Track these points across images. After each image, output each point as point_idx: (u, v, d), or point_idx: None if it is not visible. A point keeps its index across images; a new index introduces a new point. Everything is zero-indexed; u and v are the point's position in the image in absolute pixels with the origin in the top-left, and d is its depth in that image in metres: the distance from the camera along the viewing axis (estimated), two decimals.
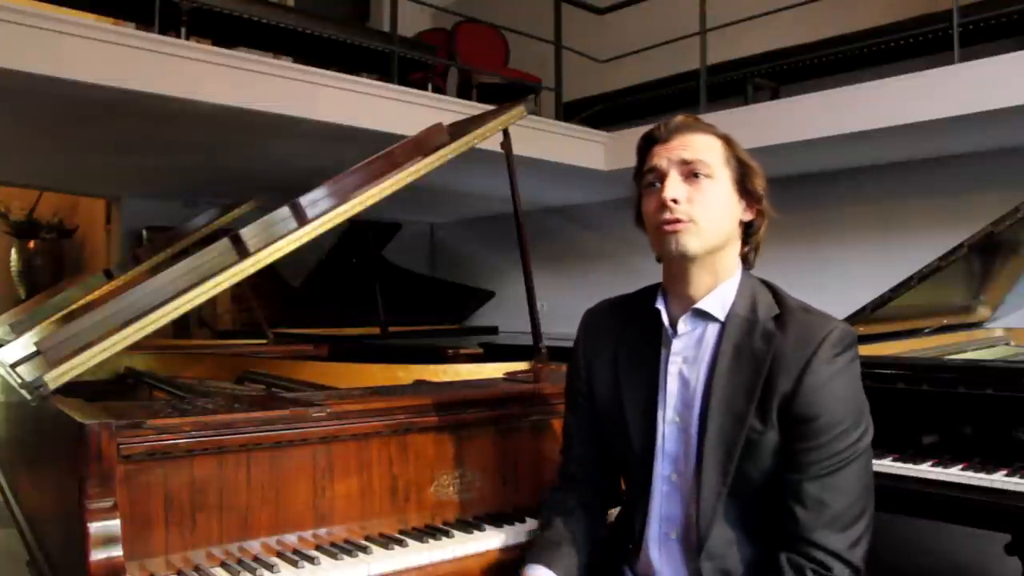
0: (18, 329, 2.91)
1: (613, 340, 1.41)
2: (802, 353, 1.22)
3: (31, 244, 7.44)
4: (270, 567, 1.34)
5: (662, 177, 1.29)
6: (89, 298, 2.97)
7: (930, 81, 3.66)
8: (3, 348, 2.47)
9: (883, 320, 2.49)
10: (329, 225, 1.70)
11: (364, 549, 1.44)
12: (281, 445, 1.44)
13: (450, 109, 4.12)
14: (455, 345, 3.69)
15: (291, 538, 1.44)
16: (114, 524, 1.23)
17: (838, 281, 4.55)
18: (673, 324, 1.34)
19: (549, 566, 1.33)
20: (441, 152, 1.90)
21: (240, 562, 1.37)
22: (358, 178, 1.87)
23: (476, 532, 1.55)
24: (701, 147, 1.29)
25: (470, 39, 5.55)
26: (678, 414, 1.31)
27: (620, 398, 1.37)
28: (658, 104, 5.27)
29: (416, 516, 1.58)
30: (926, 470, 1.92)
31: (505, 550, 1.54)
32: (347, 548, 1.44)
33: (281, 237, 1.65)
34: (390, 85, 4.20)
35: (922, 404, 2.04)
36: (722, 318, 1.30)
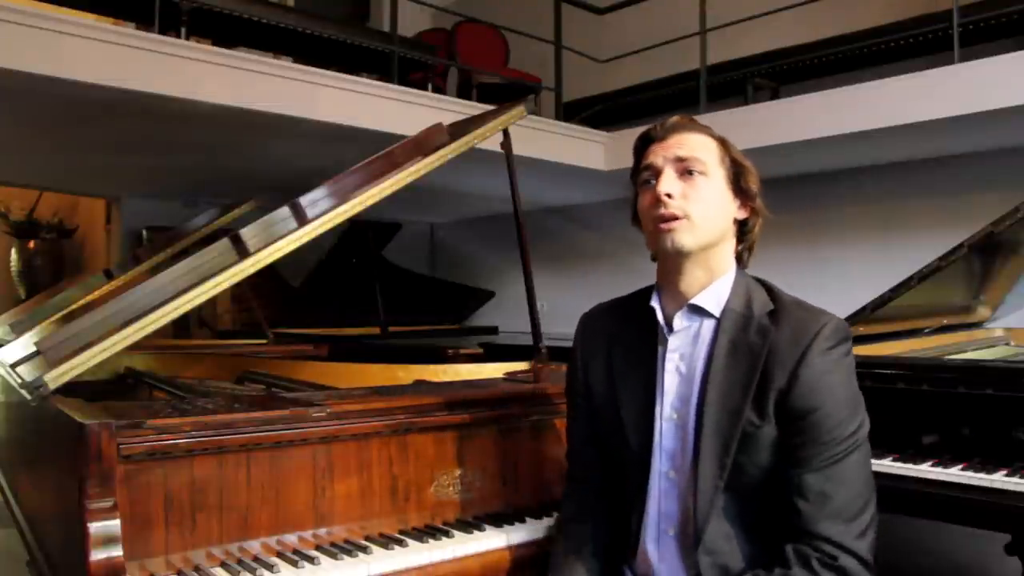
0: (18, 329, 2.91)
1: (609, 341, 1.43)
2: (797, 347, 1.23)
3: (31, 244, 7.44)
4: (270, 567, 1.34)
5: (657, 174, 1.31)
6: (89, 298, 2.98)
7: (930, 81, 3.66)
8: (3, 348, 2.47)
9: (883, 320, 2.49)
10: (329, 225, 1.71)
11: (364, 549, 1.44)
12: (281, 445, 1.44)
13: (450, 109, 4.12)
14: (455, 345, 3.69)
15: (291, 538, 1.44)
16: (114, 524, 1.23)
17: (838, 281, 4.55)
18: (668, 322, 1.35)
19: None
20: (441, 152, 1.90)
21: (240, 562, 1.37)
22: (358, 178, 1.87)
23: (476, 532, 1.55)
24: (696, 145, 1.32)
25: (470, 39, 5.55)
26: (675, 410, 1.32)
27: (617, 398, 1.38)
28: (658, 104, 5.27)
29: (416, 516, 1.58)
30: (926, 470, 1.92)
31: (505, 550, 1.53)
32: (347, 548, 1.44)
33: (281, 237, 1.65)
34: (390, 85, 4.20)
35: (922, 404, 2.04)
36: (717, 314, 1.31)
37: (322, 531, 1.47)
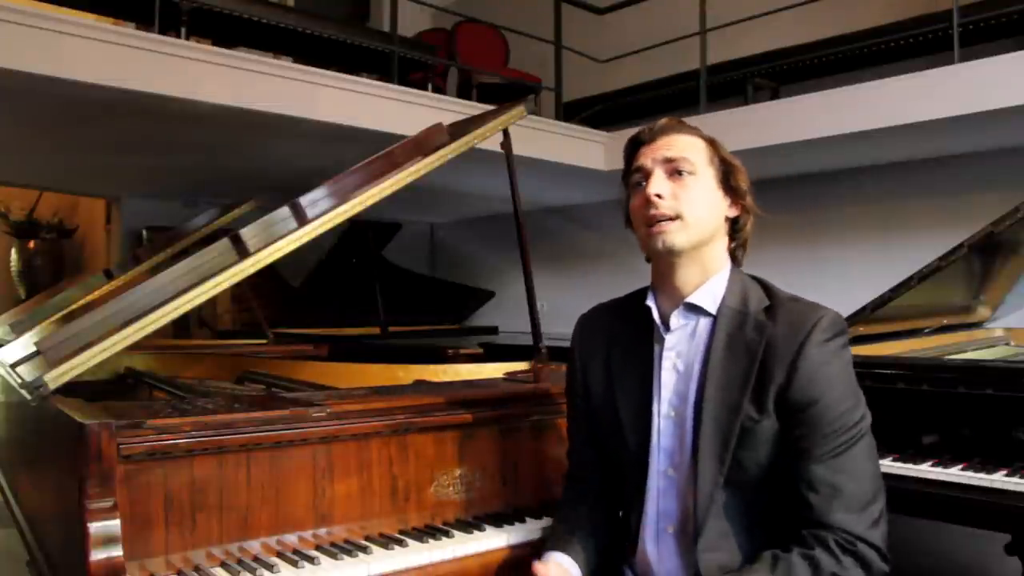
0: (18, 329, 2.91)
1: (607, 342, 1.44)
2: (794, 340, 1.24)
3: (31, 244, 7.44)
4: (270, 567, 1.34)
5: (647, 176, 1.33)
6: (89, 298, 2.98)
7: (930, 81, 3.65)
8: (3, 348, 2.47)
9: (883, 320, 2.49)
10: (329, 225, 1.71)
11: (364, 549, 1.44)
12: (281, 445, 1.44)
13: (450, 109, 4.12)
14: (455, 345, 3.69)
15: (291, 538, 1.44)
16: (114, 524, 1.23)
17: (838, 281, 4.54)
18: (665, 321, 1.36)
19: (567, 552, 1.37)
20: (441, 152, 1.90)
21: (240, 562, 1.37)
22: (358, 178, 1.87)
23: (476, 532, 1.55)
24: (684, 146, 1.33)
25: (470, 39, 5.55)
26: (673, 408, 1.33)
27: (614, 398, 1.39)
28: (658, 104, 5.27)
29: (416, 516, 1.58)
30: (926, 470, 1.92)
31: (505, 550, 1.54)
32: (347, 548, 1.44)
33: (281, 237, 1.65)
34: (390, 85, 4.19)
35: (922, 404, 2.04)
36: (713, 311, 1.32)
37: (322, 531, 1.47)
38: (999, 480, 1.80)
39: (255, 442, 1.41)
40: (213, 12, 4.01)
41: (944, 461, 1.94)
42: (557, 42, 5.35)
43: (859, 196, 4.80)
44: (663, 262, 1.34)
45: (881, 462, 1.95)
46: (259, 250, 1.63)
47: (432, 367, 2.31)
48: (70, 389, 1.52)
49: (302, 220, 1.73)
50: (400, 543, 1.47)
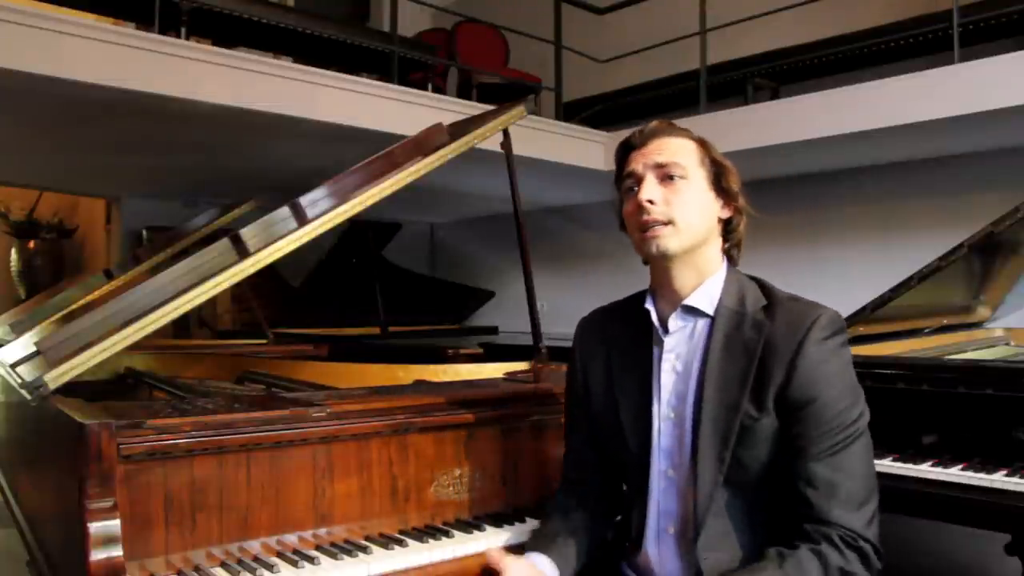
0: (18, 329, 2.91)
1: (606, 344, 1.45)
2: (793, 339, 1.25)
3: (31, 244, 7.44)
4: (270, 567, 1.34)
5: (639, 181, 1.33)
6: (89, 298, 2.97)
7: (930, 81, 3.66)
8: (3, 348, 2.47)
9: (883, 320, 2.49)
10: (329, 225, 1.71)
11: (364, 549, 1.44)
12: (281, 445, 1.44)
13: (450, 109, 4.12)
14: (455, 345, 3.69)
15: (291, 538, 1.44)
16: (114, 524, 1.23)
17: (838, 281, 4.55)
18: (664, 323, 1.37)
19: (546, 554, 1.36)
20: (441, 152, 1.90)
21: (240, 562, 1.37)
22: (358, 178, 1.87)
23: (476, 532, 1.56)
24: (675, 150, 1.34)
25: (470, 39, 5.55)
26: (673, 409, 1.33)
27: (615, 400, 1.39)
28: (658, 104, 5.27)
29: (416, 516, 1.58)
30: (926, 470, 1.92)
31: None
32: (347, 548, 1.44)
33: (281, 237, 1.65)
34: (390, 85, 4.20)
35: (922, 404, 2.04)
36: (711, 312, 1.33)
37: (322, 531, 1.47)
38: (999, 480, 1.80)
39: (255, 442, 1.41)
40: (213, 12, 4.01)
41: (944, 461, 1.94)
42: (557, 42, 5.35)
43: (859, 196, 4.80)
44: (658, 266, 1.36)
45: (881, 462, 1.97)
46: (259, 250, 1.63)
47: (432, 367, 2.31)
48: (70, 389, 1.51)
49: (302, 220, 1.73)
50: (400, 543, 1.47)
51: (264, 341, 3.77)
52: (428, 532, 1.53)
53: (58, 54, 3.02)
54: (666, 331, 1.36)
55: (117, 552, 1.22)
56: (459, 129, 2.09)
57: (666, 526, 1.32)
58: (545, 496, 1.70)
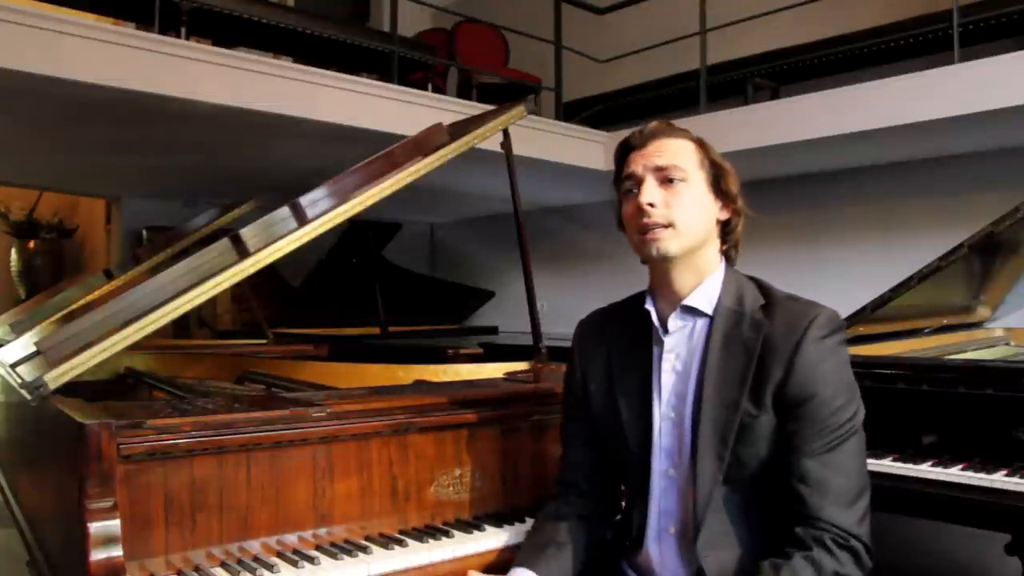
0: (18, 329, 2.91)
1: (606, 345, 1.45)
2: (791, 337, 1.25)
3: (31, 244, 7.43)
4: (270, 567, 1.34)
5: (639, 183, 1.34)
6: (89, 298, 2.97)
7: (930, 81, 3.65)
8: (3, 348, 2.47)
9: (883, 320, 2.49)
10: (329, 225, 1.71)
11: (364, 549, 1.44)
12: (281, 445, 1.44)
13: (450, 109, 4.12)
14: (455, 345, 3.69)
15: (291, 538, 1.44)
16: (114, 524, 1.23)
17: (838, 281, 4.55)
18: (664, 323, 1.37)
19: (533, 568, 1.35)
20: (441, 152, 1.90)
21: (240, 562, 1.37)
22: (358, 178, 1.87)
23: (476, 532, 1.56)
24: (675, 152, 1.34)
25: (470, 39, 5.55)
26: (672, 408, 1.34)
27: (615, 400, 1.40)
28: (658, 104, 5.27)
29: (416, 516, 1.58)
30: (926, 470, 1.92)
31: (505, 550, 1.53)
32: (347, 548, 1.44)
33: (281, 237, 1.65)
34: (390, 85, 4.20)
35: (922, 404, 2.04)
36: (710, 312, 1.34)
37: (322, 531, 1.47)
38: (999, 480, 1.80)
39: (255, 442, 1.41)
40: (213, 12, 4.01)
41: (944, 461, 1.94)
42: (557, 42, 5.35)
43: (859, 196, 4.80)
44: (658, 267, 1.36)
45: (881, 462, 1.97)
46: (259, 250, 1.63)
47: (432, 367, 2.31)
48: (70, 389, 1.51)
49: (302, 220, 1.73)
50: (400, 543, 1.47)
51: (264, 341, 3.77)
52: (428, 532, 1.53)
53: (58, 54, 3.02)
54: (666, 331, 1.37)
55: (117, 552, 1.22)
56: (459, 129, 2.09)
57: (667, 525, 1.33)
58: (545, 496, 1.70)
